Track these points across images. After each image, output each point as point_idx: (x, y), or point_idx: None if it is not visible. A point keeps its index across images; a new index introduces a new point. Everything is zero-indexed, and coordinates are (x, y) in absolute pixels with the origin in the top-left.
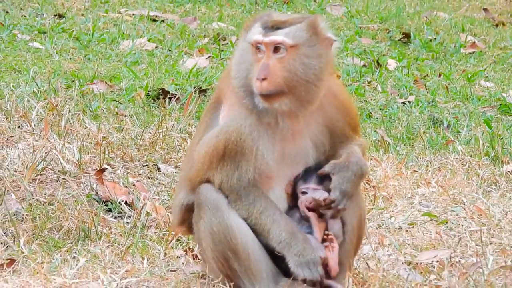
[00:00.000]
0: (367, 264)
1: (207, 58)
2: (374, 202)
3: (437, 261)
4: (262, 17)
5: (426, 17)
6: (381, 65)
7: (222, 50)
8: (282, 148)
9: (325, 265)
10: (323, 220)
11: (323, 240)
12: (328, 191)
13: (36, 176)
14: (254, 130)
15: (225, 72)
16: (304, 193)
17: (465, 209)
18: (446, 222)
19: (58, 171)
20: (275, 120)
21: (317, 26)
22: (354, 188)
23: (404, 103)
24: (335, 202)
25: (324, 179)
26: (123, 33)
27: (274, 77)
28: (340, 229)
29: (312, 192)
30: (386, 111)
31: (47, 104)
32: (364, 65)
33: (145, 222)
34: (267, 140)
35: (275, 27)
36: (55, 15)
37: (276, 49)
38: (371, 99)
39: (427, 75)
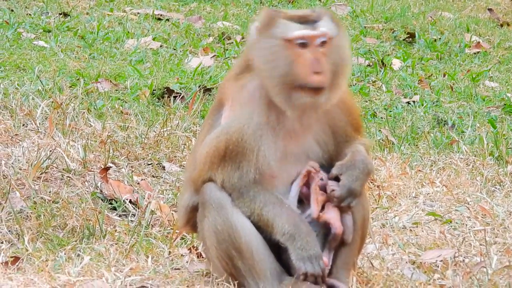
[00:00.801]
0: (371, 263)
1: (212, 57)
2: (378, 201)
3: (441, 261)
4: (279, 13)
5: (431, 17)
6: (385, 64)
7: (227, 49)
8: (284, 146)
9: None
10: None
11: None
12: None
13: (40, 174)
14: (257, 129)
15: (228, 74)
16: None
17: (469, 209)
18: (450, 222)
19: (63, 169)
20: (282, 118)
21: (336, 18)
22: (361, 186)
23: (408, 102)
24: (339, 198)
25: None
26: (128, 32)
27: (326, 70)
28: (351, 228)
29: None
30: (390, 111)
31: (52, 102)
32: (368, 65)
33: (149, 220)
34: (270, 139)
35: (311, 21)
36: (60, 14)
37: (322, 43)
38: (376, 99)
39: (431, 75)
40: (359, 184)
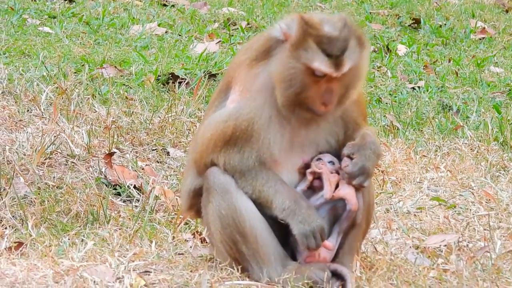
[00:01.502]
0: (375, 248)
1: (217, 43)
2: (383, 186)
3: (445, 245)
4: (311, 31)
5: (436, 2)
6: (391, 50)
7: (232, 35)
8: (292, 137)
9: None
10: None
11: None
12: None
13: (45, 159)
14: (268, 121)
15: (236, 58)
16: (318, 159)
17: (473, 194)
18: (454, 207)
19: (67, 154)
20: (295, 115)
21: (361, 37)
22: (373, 167)
23: (413, 88)
24: (351, 174)
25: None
26: (133, 17)
27: (336, 98)
28: (362, 209)
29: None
30: (395, 96)
31: (57, 88)
32: (374, 51)
33: (153, 205)
34: (278, 131)
35: (338, 51)
36: (65, 0)
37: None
38: (381, 84)
39: (436, 60)
40: (371, 164)
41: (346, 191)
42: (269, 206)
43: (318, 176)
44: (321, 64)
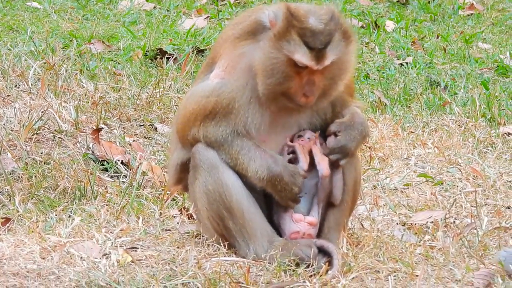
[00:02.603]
0: (362, 225)
1: (205, 18)
2: (370, 162)
3: (432, 222)
4: (295, 22)
5: None
6: (379, 26)
7: (220, 11)
8: (273, 118)
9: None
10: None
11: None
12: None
13: (32, 135)
14: (248, 102)
15: (223, 32)
16: (299, 136)
17: (460, 170)
18: (442, 183)
19: (55, 130)
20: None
21: (348, 30)
22: (355, 148)
23: (401, 64)
24: (330, 149)
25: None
26: None
27: (318, 90)
28: (341, 188)
29: (306, 137)
30: (383, 72)
31: (45, 63)
32: (362, 26)
33: (141, 181)
34: (258, 111)
35: (321, 45)
36: None
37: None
38: (369, 60)
39: (425, 36)
40: (355, 145)
41: (318, 158)
42: (245, 174)
43: (292, 151)
44: (302, 57)
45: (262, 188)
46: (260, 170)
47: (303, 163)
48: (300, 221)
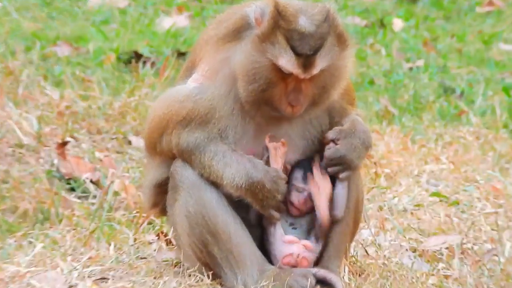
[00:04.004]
0: (366, 251)
1: (187, 17)
2: (376, 180)
3: (447, 248)
4: (282, 23)
5: None
6: (385, 25)
7: (204, 8)
8: (257, 134)
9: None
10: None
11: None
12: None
13: None
14: (230, 114)
15: (205, 32)
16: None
17: (479, 189)
18: (458, 204)
19: (14, 144)
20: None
21: (343, 34)
22: (358, 159)
23: (411, 68)
24: (328, 159)
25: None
26: None
27: (306, 99)
28: (343, 206)
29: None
30: (390, 78)
31: (3, 68)
32: (366, 25)
33: (112, 202)
34: (240, 125)
35: (310, 50)
36: None
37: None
38: (374, 64)
39: (437, 36)
40: (356, 156)
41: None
42: (221, 183)
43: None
44: (287, 63)
45: (239, 198)
46: (237, 177)
47: (274, 165)
48: (294, 243)
